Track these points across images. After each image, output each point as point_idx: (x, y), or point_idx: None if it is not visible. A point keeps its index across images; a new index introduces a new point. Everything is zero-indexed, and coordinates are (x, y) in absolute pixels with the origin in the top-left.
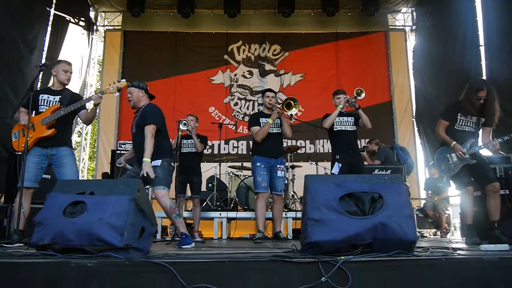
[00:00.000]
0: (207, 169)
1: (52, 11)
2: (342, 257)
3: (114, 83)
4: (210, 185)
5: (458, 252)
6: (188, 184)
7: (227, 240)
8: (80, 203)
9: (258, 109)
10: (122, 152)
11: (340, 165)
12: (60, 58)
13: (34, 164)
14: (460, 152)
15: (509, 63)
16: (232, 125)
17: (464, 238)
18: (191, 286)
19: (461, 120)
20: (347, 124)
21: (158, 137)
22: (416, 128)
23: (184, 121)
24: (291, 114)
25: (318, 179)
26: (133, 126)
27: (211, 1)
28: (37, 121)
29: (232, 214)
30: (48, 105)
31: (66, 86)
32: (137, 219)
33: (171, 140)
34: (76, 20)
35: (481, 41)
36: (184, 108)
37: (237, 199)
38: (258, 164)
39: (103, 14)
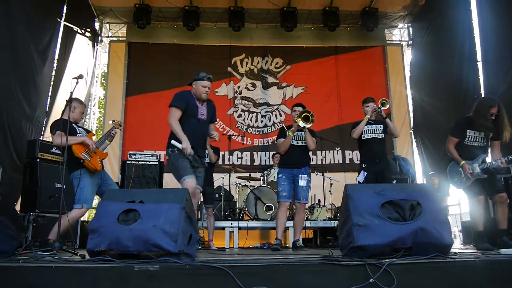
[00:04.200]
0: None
1: (62, 22)
2: (387, 260)
3: (114, 121)
4: (217, 195)
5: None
6: (202, 194)
7: (239, 249)
8: (133, 211)
9: (261, 121)
10: (132, 162)
11: (366, 173)
12: (67, 68)
13: (94, 186)
14: (468, 172)
15: (506, 78)
16: (238, 137)
17: (474, 244)
18: None
19: (470, 136)
20: (375, 132)
21: None
22: (414, 140)
23: None
24: (304, 126)
25: (358, 188)
26: (201, 114)
27: (215, 14)
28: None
29: (243, 224)
30: (83, 134)
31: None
32: (186, 226)
33: None
34: (83, 31)
35: (479, 56)
36: None
37: (246, 209)
38: (280, 175)
39: (107, 25)
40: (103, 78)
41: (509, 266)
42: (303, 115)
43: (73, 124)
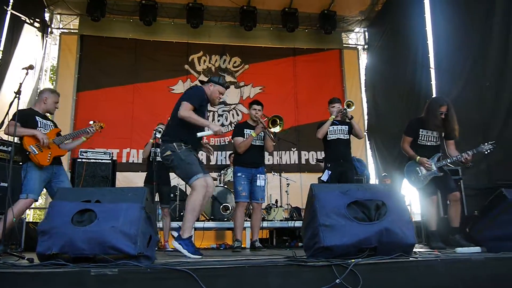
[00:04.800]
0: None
1: (9, 10)
2: (353, 260)
3: (96, 122)
4: (172, 195)
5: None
6: (158, 194)
7: None
8: (88, 211)
9: (218, 120)
10: (84, 160)
11: (330, 172)
12: (14, 60)
13: (41, 180)
14: (427, 164)
15: (457, 84)
16: None
17: (426, 243)
18: None
19: (423, 136)
20: (340, 133)
21: None
22: (368, 142)
23: (159, 129)
24: (275, 133)
25: (324, 188)
26: (207, 117)
27: (173, 10)
28: (50, 140)
29: (199, 224)
30: (45, 128)
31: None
32: (146, 227)
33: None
34: (31, 21)
35: (432, 63)
36: (143, 116)
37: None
38: (239, 174)
39: (58, 16)
40: (52, 72)
41: (468, 265)
42: (272, 119)
43: (36, 117)
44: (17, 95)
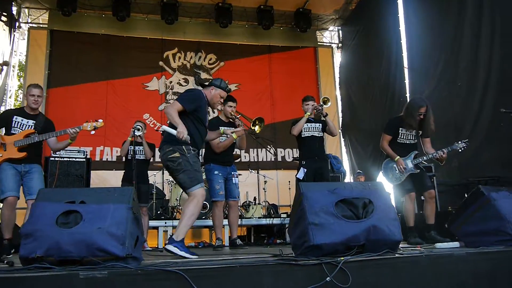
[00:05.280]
0: None
1: None
2: (342, 258)
3: (91, 121)
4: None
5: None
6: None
7: None
8: (73, 212)
9: None
10: (56, 159)
11: (305, 170)
12: None
13: (12, 176)
14: (401, 167)
15: (429, 83)
16: None
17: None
18: None
19: (403, 134)
20: (314, 130)
21: None
22: (342, 139)
23: (138, 126)
24: (255, 132)
25: (311, 187)
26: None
27: (147, 6)
28: (10, 142)
29: (177, 223)
30: (21, 128)
31: (40, 110)
32: (133, 228)
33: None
34: None
35: (405, 62)
36: (117, 113)
37: (180, 207)
38: (216, 172)
39: (26, 10)
40: (20, 68)
41: (451, 260)
42: (254, 121)
43: (15, 116)
44: None
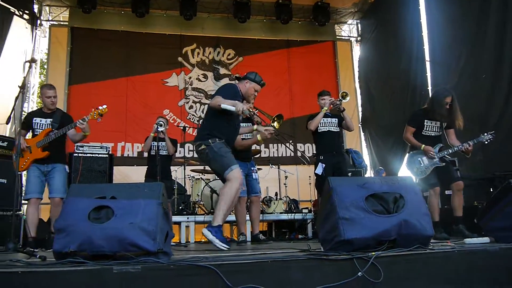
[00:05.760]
0: None
1: None
2: (373, 253)
3: (95, 109)
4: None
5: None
6: None
7: (195, 244)
8: (105, 207)
9: None
10: (80, 155)
11: (324, 165)
12: (3, 53)
13: (36, 178)
14: (431, 153)
15: (453, 76)
16: (191, 128)
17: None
18: (239, 287)
19: (427, 126)
20: (331, 125)
21: None
22: (362, 134)
23: (161, 122)
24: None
25: (341, 181)
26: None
27: (166, 2)
28: (33, 144)
29: (199, 218)
30: (41, 128)
31: (57, 107)
32: (163, 223)
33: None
34: (20, 13)
35: (427, 55)
36: (137, 109)
37: (202, 203)
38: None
39: (47, 8)
40: (40, 65)
41: (485, 256)
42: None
43: (34, 118)
44: (22, 90)
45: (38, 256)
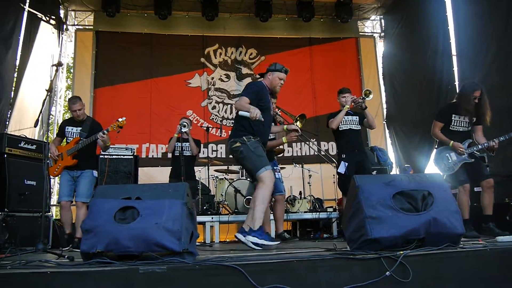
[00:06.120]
0: None
1: (26, 7)
2: (402, 252)
3: (115, 121)
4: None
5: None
6: None
7: (220, 244)
8: (130, 208)
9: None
10: (106, 156)
11: (347, 164)
12: (31, 58)
13: (66, 182)
14: (461, 149)
15: (481, 70)
16: (212, 129)
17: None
18: (265, 287)
19: (456, 121)
20: (352, 123)
21: None
22: (387, 131)
23: (184, 123)
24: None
25: (367, 179)
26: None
27: (188, 3)
28: (64, 151)
29: (223, 218)
30: (72, 136)
31: (87, 114)
32: (188, 223)
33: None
34: (47, 18)
35: (453, 49)
36: (161, 111)
37: (226, 203)
38: None
39: (72, 13)
40: (67, 70)
41: None
42: (297, 119)
43: (67, 127)
44: (49, 93)
45: (66, 256)
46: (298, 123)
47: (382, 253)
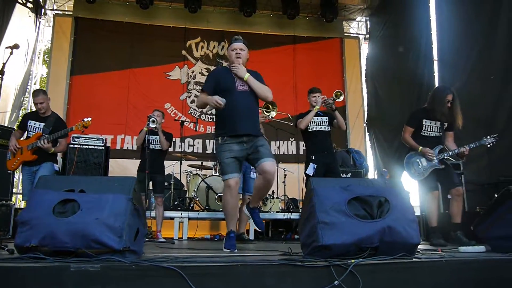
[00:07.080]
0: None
1: None
2: (353, 261)
3: (80, 121)
4: (166, 183)
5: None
6: (151, 182)
7: (188, 241)
8: (71, 201)
9: None
10: (76, 146)
11: (315, 165)
12: (4, 41)
13: (27, 181)
14: (430, 154)
15: (461, 77)
16: (190, 123)
17: (426, 239)
18: None
19: (427, 126)
20: (321, 124)
21: None
22: (367, 134)
23: (153, 118)
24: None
25: (323, 182)
26: (241, 86)
27: None
28: (24, 146)
29: (193, 214)
30: (34, 131)
31: (51, 110)
32: (133, 220)
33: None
34: (24, 1)
35: (435, 54)
36: (139, 102)
37: (197, 198)
38: None
39: None
40: (46, 55)
41: (476, 267)
42: (265, 105)
43: (29, 121)
44: (0, 76)
45: (6, 249)
46: (272, 112)
47: (333, 260)
